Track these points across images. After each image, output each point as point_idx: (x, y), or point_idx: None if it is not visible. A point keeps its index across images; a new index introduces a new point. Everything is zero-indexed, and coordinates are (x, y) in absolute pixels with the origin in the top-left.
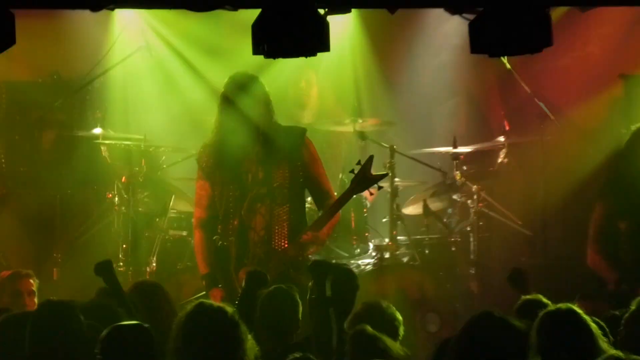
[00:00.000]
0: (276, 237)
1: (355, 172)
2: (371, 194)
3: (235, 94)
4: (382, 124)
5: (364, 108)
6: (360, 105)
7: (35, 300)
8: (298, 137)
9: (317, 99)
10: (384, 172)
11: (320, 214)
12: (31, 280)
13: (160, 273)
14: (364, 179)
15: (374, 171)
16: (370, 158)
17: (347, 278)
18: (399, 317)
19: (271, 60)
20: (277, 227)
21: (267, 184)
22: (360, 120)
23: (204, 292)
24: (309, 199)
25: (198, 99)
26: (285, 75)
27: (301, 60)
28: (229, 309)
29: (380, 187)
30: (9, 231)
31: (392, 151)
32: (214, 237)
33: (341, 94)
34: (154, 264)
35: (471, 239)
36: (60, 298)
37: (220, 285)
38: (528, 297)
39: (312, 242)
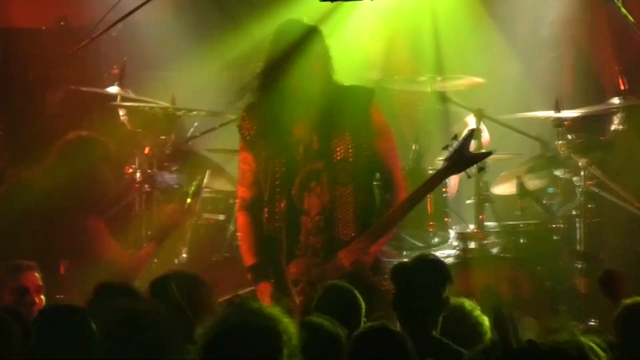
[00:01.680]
0: (339, 225)
1: (451, 147)
2: (469, 176)
3: (286, 46)
4: (467, 83)
5: (444, 63)
6: (440, 60)
7: (43, 297)
8: (364, 100)
9: (386, 53)
10: (487, 151)
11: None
12: (36, 274)
13: (191, 266)
14: (461, 157)
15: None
16: (471, 132)
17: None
18: (486, 321)
19: (329, 5)
20: (339, 212)
21: (324, 157)
22: (439, 78)
23: (251, 288)
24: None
25: (239, 52)
26: (349, 26)
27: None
28: (275, 311)
29: (480, 169)
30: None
31: (480, 116)
32: (265, 218)
33: (417, 46)
34: (185, 255)
35: (578, 226)
36: (68, 295)
37: (270, 280)
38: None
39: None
